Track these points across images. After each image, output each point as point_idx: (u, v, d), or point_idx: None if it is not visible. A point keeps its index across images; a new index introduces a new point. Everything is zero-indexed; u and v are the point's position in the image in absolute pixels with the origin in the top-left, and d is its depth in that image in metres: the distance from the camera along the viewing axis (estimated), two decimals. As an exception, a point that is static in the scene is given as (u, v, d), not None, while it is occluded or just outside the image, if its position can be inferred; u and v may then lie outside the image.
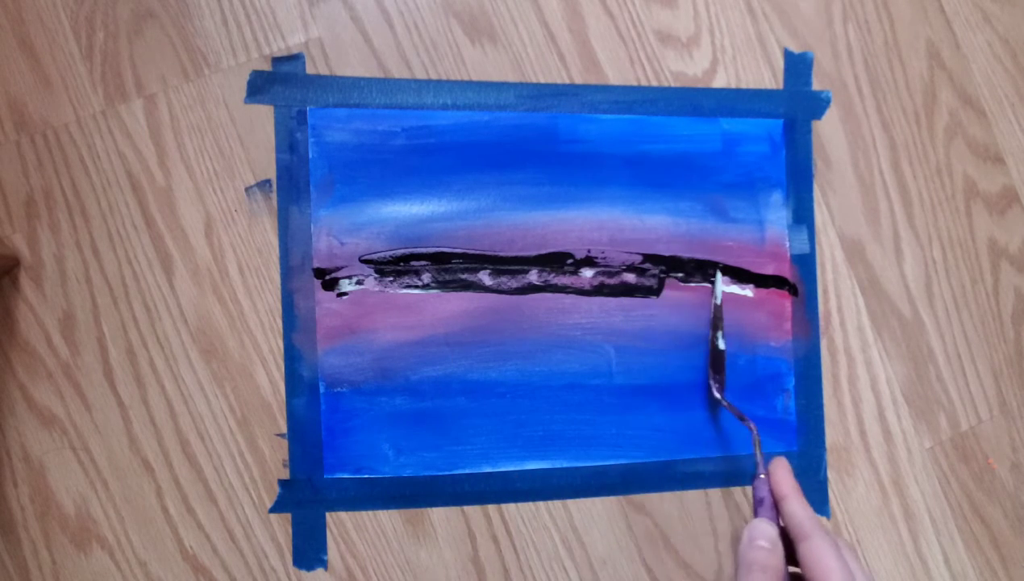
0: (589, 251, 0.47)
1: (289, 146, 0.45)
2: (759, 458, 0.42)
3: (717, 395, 0.47)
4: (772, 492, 0.39)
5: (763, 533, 0.37)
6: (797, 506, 0.38)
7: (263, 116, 0.45)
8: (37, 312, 0.44)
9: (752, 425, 0.43)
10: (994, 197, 0.52)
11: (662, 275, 0.48)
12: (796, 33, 0.51)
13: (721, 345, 0.48)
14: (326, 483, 0.45)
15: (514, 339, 0.46)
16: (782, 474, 0.40)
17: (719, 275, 0.48)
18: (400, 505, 0.45)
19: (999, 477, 0.52)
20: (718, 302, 0.48)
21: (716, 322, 0.48)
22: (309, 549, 0.45)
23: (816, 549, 0.35)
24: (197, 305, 0.45)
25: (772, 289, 0.49)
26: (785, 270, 0.50)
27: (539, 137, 0.47)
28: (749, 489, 0.48)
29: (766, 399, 0.49)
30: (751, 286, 0.49)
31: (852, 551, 0.38)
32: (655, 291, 0.48)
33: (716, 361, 0.47)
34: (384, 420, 0.45)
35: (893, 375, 0.51)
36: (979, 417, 0.52)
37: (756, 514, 0.40)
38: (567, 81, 0.48)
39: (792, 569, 0.37)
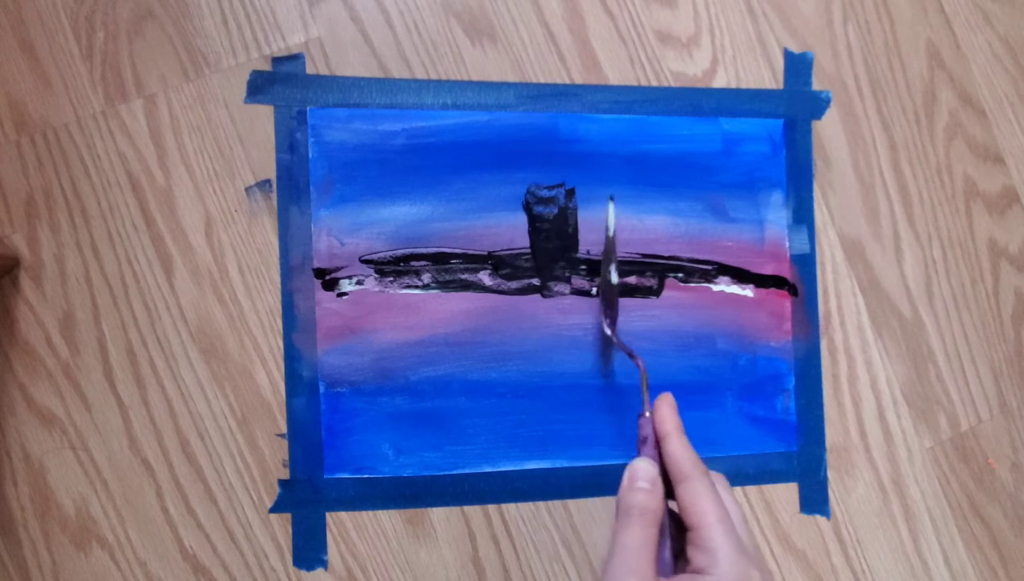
0: (589, 251, 0.47)
1: (289, 146, 0.45)
2: (645, 396, 0.40)
3: (608, 331, 0.45)
4: (655, 431, 0.38)
5: (643, 473, 0.36)
6: (678, 445, 0.36)
7: (263, 116, 0.45)
8: (37, 312, 0.44)
9: (641, 363, 0.41)
10: (994, 197, 0.52)
11: (662, 275, 0.48)
12: (796, 33, 0.51)
13: (613, 279, 0.46)
14: (326, 483, 0.45)
15: (514, 339, 0.46)
16: (665, 411, 0.38)
17: (611, 206, 0.46)
18: (400, 505, 0.45)
19: (999, 477, 0.52)
20: (611, 234, 0.46)
21: (608, 255, 0.46)
22: (309, 549, 0.45)
23: (693, 491, 0.34)
24: (197, 305, 0.45)
25: (772, 289, 0.49)
26: (785, 270, 0.50)
27: (539, 137, 0.47)
28: (749, 489, 0.48)
29: (766, 399, 0.49)
30: (751, 286, 0.49)
31: (731, 492, 0.37)
32: (655, 291, 0.48)
33: (608, 296, 0.46)
34: (384, 420, 0.45)
35: (893, 375, 0.51)
36: (979, 417, 0.52)
37: (639, 453, 0.38)
38: (567, 81, 0.48)
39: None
